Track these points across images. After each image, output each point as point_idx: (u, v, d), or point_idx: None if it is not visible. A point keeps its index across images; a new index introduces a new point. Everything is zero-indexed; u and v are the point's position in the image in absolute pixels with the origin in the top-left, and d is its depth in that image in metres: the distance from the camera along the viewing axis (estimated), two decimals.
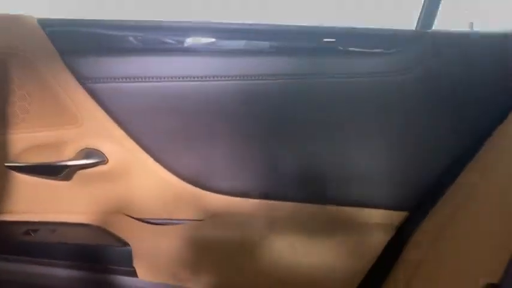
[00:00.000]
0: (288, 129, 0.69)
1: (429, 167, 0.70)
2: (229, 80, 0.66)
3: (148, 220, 0.75)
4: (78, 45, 0.69)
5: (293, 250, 0.72)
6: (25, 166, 0.70)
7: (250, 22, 0.71)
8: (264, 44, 0.72)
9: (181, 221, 0.74)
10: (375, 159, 0.70)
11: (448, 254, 0.67)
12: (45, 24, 0.67)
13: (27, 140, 0.70)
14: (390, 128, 0.69)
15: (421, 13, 1.17)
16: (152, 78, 0.67)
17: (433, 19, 1.12)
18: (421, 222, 0.71)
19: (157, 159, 0.71)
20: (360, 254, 0.72)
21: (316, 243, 0.72)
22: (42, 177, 0.72)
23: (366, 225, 0.73)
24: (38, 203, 0.74)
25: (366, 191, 0.72)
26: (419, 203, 0.72)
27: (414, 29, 1.13)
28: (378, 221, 0.73)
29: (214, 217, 0.74)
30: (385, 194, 0.72)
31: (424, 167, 0.70)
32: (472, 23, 0.98)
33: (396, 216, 0.72)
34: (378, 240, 0.72)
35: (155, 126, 0.69)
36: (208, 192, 0.72)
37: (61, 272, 0.72)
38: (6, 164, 0.70)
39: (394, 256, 0.73)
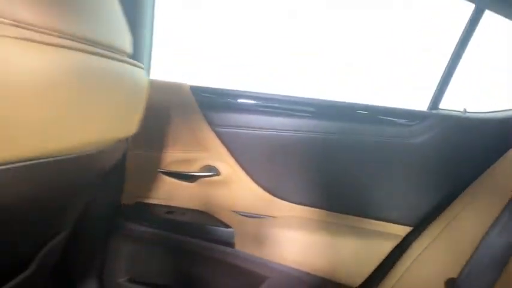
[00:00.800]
0: (336, 166, 1.10)
1: (429, 197, 1.09)
2: (301, 133, 1.09)
3: (242, 213, 1.14)
4: (213, 104, 1.10)
5: (319, 244, 1.09)
6: (170, 172, 1.13)
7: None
8: (326, 113, 1.12)
9: (262, 216, 1.14)
10: (392, 189, 1.09)
11: (430, 257, 1.03)
12: (192, 89, 1.10)
13: (173, 157, 1.13)
14: (404, 171, 1.08)
15: (432, 97, 1.59)
16: (256, 128, 1.09)
17: (439, 102, 1.53)
18: (420, 235, 1.07)
19: (251, 177, 1.12)
20: (370, 255, 1.08)
21: (336, 242, 1.09)
22: (179, 180, 1.14)
23: (378, 233, 1.09)
24: (174, 194, 1.16)
25: (384, 209, 1.09)
26: (421, 220, 1.08)
27: (426, 109, 1.53)
28: (389, 231, 1.09)
29: (281, 215, 1.13)
30: (397, 212, 1.09)
31: (426, 196, 1.09)
32: (465, 108, 1.34)
33: (402, 229, 1.09)
34: (385, 247, 1.08)
35: (253, 157, 1.11)
36: (280, 200, 1.12)
37: (184, 239, 1.11)
38: (159, 170, 1.13)
39: (395, 261, 1.08)
